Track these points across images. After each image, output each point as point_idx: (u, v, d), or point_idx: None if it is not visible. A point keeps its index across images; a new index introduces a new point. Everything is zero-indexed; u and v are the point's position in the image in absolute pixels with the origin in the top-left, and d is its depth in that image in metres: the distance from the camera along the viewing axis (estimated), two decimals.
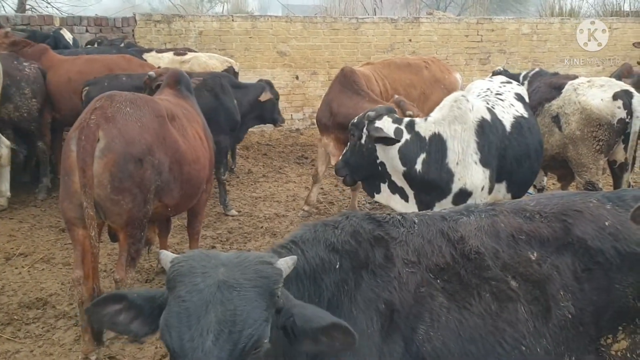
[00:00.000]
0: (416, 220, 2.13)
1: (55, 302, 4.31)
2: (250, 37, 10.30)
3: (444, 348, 1.90)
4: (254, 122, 7.20)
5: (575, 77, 5.57)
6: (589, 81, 5.27)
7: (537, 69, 6.28)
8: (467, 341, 1.92)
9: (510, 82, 5.02)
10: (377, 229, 2.07)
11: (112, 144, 3.35)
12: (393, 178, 4.16)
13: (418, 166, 4.02)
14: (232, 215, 6.33)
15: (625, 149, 5.16)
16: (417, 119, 4.21)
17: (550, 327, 1.97)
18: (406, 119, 4.19)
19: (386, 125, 4.04)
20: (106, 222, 3.56)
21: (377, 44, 11.04)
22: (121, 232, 3.55)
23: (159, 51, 8.03)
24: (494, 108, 4.34)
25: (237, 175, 7.99)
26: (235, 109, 6.46)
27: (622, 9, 14.84)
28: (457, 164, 4.00)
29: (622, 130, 5.02)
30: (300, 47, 10.59)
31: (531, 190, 5.70)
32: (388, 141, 3.97)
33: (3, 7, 14.06)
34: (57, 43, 7.99)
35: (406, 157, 4.02)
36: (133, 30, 9.69)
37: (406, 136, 4.03)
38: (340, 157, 4.40)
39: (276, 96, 7.15)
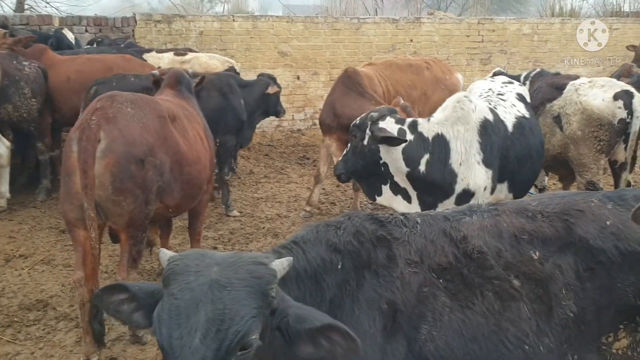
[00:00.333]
0: (419, 220, 2.13)
1: (56, 303, 4.29)
2: (251, 37, 10.27)
3: (447, 348, 1.90)
4: (259, 118, 7.28)
5: (576, 77, 5.58)
6: (590, 81, 5.29)
7: (538, 69, 6.29)
8: (470, 340, 1.92)
9: (512, 82, 5.02)
10: (380, 229, 2.06)
11: (114, 144, 3.34)
12: (396, 179, 4.16)
13: (422, 167, 4.02)
14: (234, 216, 6.32)
15: (626, 148, 5.17)
16: (419, 120, 4.20)
17: (553, 325, 1.97)
18: (409, 120, 4.18)
19: (390, 125, 4.04)
20: (107, 223, 3.55)
21: (379, 44, 11.03)
22: (122, 233, 3.53)
23: (159, 51, 7.98)
24: (496, 108, 4.34)
25: (238, 176, 7.97)
26: (242, 109, 6.48)
27: (622, 9, 14.84)
28: (460, 164, 4.00)
29: (623, 130, 5.04)
30: (302, 47, 10.57)
31: (533, 190, 5.70)
32: (393, 141, 3.96)
33: (1, 6, 13.98)
34: (60, 43, 7.94)
35: (410, 158, 4.01)
36: (133, 30, 9.64)
37: (409, 137, 4.03)
38: (341, 158, 4.40)
39: (280, 87, 7.23)
